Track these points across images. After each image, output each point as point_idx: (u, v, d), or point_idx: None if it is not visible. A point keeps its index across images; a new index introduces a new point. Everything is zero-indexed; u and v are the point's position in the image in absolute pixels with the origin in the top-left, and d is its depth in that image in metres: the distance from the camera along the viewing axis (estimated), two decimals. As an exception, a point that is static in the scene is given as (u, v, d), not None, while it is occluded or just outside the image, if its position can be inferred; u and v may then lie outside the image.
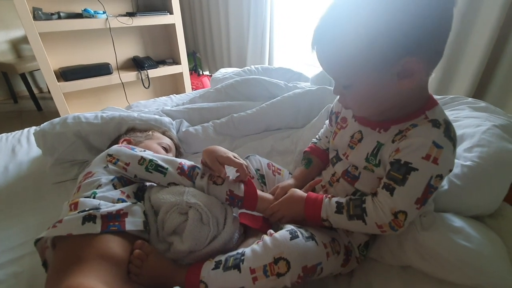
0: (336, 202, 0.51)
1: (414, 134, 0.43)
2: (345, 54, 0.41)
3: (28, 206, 0.77)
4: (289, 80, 1.30)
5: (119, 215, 0.52)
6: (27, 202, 0.78)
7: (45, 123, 0.88)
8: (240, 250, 0.50)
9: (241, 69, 1.37)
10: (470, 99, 0.79)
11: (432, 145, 0.41)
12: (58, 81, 1.76)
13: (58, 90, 1.76)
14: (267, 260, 0.46)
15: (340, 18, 0.40)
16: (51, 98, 1.77)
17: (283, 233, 0.49)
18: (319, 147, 0.71)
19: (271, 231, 0.52)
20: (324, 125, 0.72)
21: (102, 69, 1.92)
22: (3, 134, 1.11)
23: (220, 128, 1.00)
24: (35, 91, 2.72)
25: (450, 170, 0.43)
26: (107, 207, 0.52)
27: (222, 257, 0.50)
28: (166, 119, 0.96)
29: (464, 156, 0.57)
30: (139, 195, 0.62)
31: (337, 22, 0.40)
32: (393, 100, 0.44)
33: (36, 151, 0.98)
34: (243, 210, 0.66)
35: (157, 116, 0.95)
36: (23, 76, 2.41)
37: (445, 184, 0.56)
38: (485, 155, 0.54)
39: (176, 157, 0.81)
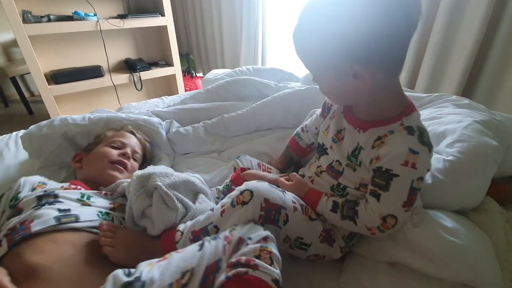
0: (333, 201, 0.54)
1: (391, 141, 0.45)
2: (307, 53, 0.46)
3: (14, 209, 0.76)
4: (280, 80, 1.30)
5: (23, 225, 0.50)
6: (14, 206, 0.77)
7: (32, 126, 0.87)
8: None
9: (233, 70, 1.38)
10: (454, 96, 0.80)
11: (409, 152, 0.43)
12: (49, 84, 1.74)
13: (48, 93, 1.74)
14: (235, 194, 0.50)
15: (305, 19, 0.44)
16: (43, 102, 1.75)
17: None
18: (301, 145, 0.74)
19: None
20: (314, 115, 0.72)
21: (93, 72, 1.90)
22: (-9, 138, 1.09)
23: (210, 129, 1.00)
24: (27, 94, 2.69)
25: (428, 170, 0.46)
26: (7, 225, 0.51)
27: None
28: (155, 119, 0.95)
29: (446, 151, 0.58)
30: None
31: (303, 22, 0.44)
32: (361, 98, 0.48)
33: (24, 154, 0.96)
34: None
35: (145, 117, 0.95)
36: (13, 80, 2.38)
37: (428, 178, 0.56)
38: (465, 149, 0.55)
39: (144, 162, 0.84)
